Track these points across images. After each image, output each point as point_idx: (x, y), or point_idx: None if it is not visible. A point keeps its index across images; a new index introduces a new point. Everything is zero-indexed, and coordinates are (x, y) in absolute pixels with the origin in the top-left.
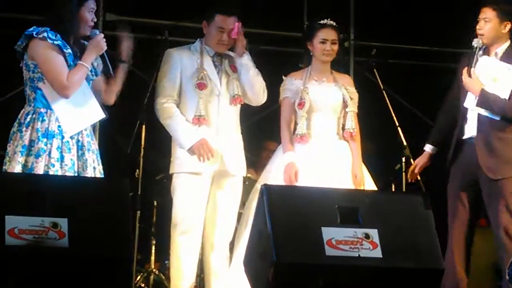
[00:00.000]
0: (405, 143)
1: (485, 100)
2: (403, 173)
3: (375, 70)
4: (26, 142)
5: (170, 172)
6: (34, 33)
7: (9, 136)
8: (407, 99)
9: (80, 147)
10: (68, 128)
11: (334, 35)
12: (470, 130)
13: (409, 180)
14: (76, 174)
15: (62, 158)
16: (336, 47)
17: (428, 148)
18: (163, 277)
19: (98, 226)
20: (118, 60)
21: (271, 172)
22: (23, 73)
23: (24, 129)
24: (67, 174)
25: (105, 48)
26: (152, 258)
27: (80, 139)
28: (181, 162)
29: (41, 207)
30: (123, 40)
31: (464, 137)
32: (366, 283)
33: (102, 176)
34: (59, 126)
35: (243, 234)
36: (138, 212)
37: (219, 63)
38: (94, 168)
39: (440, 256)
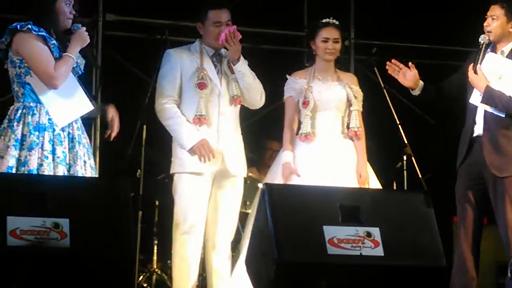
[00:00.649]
0: (406, 142)
1: (490, 96)
2: (405, 171)
3: (375, 68)
4: (19, 136)
5: (171, 172)
6: (18, 26)
7: None
8: (408, 97)
9: (71, 140)
10: (59, 120)
11: (336, 34)
12: (479, 128)
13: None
14: (67, 167)
15: (54, 151)
16: (338, 45)
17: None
18: (165, 277)
19: (100, 226)
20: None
21: (276, 173)
22: (9, 73)
23: (15, 124)
24: (59, 166)
25: (88, 40)
26: (154, 258)
27: (71, 131)
28: (182, 162)
29: (42, 208)
30: (113, 121)
31: (473, 135)
32: (368, 282)
33: (93, 169)
34: (49, 119)
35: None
36: (140, 212)
37: (218, 63)
38: (85, 162)
39: (442, 254)
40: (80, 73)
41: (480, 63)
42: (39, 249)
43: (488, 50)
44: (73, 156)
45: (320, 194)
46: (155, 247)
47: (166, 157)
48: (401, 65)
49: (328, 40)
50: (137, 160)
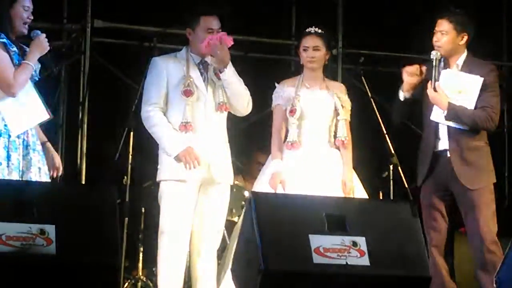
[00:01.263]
0: (392, 151)
1: (453, 113)
2: (391, 181)
3: (363, 77)
4: None
5: (157, 179)
6: None
7: None
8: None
9: (26, 147)
10: (14, 127)
11: (316, 42)
12: (443, 143)
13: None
14: (20, 174)
15: (8, 157)
16: (318, 53)
17: None
18: (151, 284)
19: (86, 233)
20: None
21: (264, 182)
22: None
23: None
24: (13, 173)
25: (48, 48)
26: (140, 265)
27: (26, 138)
28: (168, 170)
29: (28, 214)
30: (55, 160)
31: (437, 149)
32: None
33: (47, 176)
34: (5, 126)
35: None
36: (126, 219)
37: (205, 70)
38: (39, 169)
39: (428, 264)
40: (37, 79)
41: (438, 80)
42: (25, 255)
43: (441, 64)
44: (27, 163)
45: (306, 203)
46: (141, 254)
47: (152, 164)
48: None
49: (307, 49)
50: (124, 166)
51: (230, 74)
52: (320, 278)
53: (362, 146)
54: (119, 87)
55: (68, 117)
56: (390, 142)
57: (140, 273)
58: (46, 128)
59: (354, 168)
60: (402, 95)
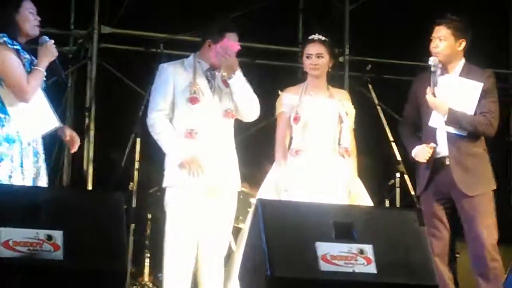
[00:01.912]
0: (399, 159)
1: (454, 118)
2: (397, 189)
3: (369, 85)
4: None
5: (163, 185)
6: None
7: None
8: (402, 115)
9: (35, 154)
10: (26, 134)
11: (320, 49)
12: (442, 150)
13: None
14: (32, 181)
15: (22, 164)
16: (321, 60)
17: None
18: None
19: (93, 239)
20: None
21: (267, 191)
22: None
23: None
24: (26, 179)
25: (57, 54)
26: (146, 271)
27: (35, 146)
28: (174, 176)
29: (36, 219)
30: (73, 139)
31: (436, 156)
32: None
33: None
34: (17, 132)
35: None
36: (132, 225)
37: (212, 78)
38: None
39: (434, 272)
40: (44, 85)
41: (436, 86)
42: (31, 261)
43: (439, 71)
44: (37, 170)
45: (314, 210)
46: (147, 260)
47: (159, 170)
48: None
49: (311, 56)
50: (130, 172)
51: (239, 80)
52: (327, 285)
53: (368, 153)
54: (126, 93)
55: (74, 123)
56: (397, 150)
57: (146, 279)
58: (53, 133)
59: (360, 175)
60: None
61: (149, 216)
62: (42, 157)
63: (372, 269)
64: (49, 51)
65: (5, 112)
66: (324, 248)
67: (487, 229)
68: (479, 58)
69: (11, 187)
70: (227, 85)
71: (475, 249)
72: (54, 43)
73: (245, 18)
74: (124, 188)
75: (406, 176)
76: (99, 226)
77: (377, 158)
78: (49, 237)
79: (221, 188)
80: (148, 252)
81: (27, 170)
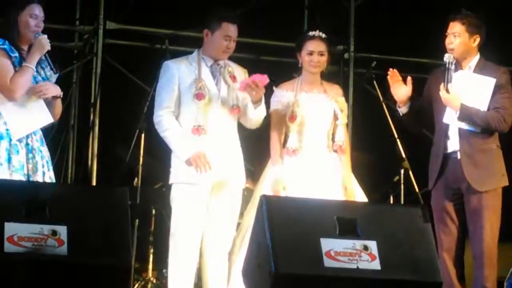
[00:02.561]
0: (404, 155)
1: (466, 114)
2: (402, 185)
3: (375, 82)
4: None
5: (170, 182)
6: None
7: None
8: None
9: (30, 151)
10: (16, 131)
11: (322, 47)
12: (453, 144)
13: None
14: (26, 177)
15: (9, 160)
16: (323, 58)
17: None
18: (161, 285)
19: (97, 234)
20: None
21: (264, 189)
22: None
23: None
24: (14, 175)
25: (48, 47)
26: (150, 266)
27: (30, 142)
28: (180, 173)
29: (40, 215)
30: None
31: (447, 151)
32: None
33: (52, 181)
34: (7, 130)
35: (240, 245)
36: (137, 220)
37: (217, 72)
38: (44, 173)
39: (439, 269)
40: (46, 81)
41: (450, 82)
42: (36, 256)
43: (452, 67)
44: (33, 166)
45: (318, 206)
46: (151, 256)
47: (163, 165)
48: (400, 77)
49: (313, 53)
50: (135, 168)
51: (262, 108)
52: (331, 281)
53: (373, 150)
54: (131, 88)
55: (79, 119)
56: (402, 147)
57: (150, 275)
58: (58, 129)
59: (364, 172)
60: (399, 111)
61: (154, 211)
62: (39, 153)
63: (376, 265)
64: (40, 45)
65: None
66: (328, 245)
67: (490, 225)
68: (495, 54)
69: (15, 183)
70: (235, 80)
71: (476, 244)
72: (59, 39)
73: (250, 14)
74: (128, 183)
75: (410, 173)
76: (104, 221)
77: (382, 155)
78: (54, 233)
79: (227, 183)
80: (152, 247)
81: (15, 166)
